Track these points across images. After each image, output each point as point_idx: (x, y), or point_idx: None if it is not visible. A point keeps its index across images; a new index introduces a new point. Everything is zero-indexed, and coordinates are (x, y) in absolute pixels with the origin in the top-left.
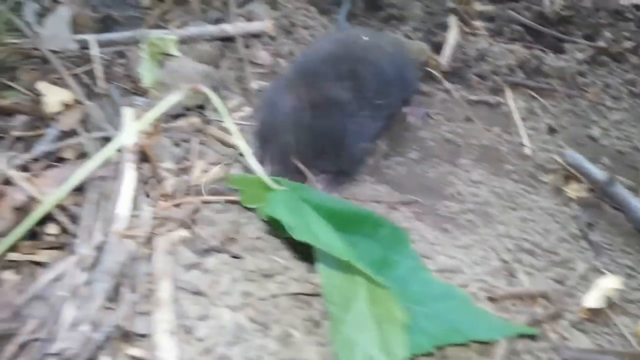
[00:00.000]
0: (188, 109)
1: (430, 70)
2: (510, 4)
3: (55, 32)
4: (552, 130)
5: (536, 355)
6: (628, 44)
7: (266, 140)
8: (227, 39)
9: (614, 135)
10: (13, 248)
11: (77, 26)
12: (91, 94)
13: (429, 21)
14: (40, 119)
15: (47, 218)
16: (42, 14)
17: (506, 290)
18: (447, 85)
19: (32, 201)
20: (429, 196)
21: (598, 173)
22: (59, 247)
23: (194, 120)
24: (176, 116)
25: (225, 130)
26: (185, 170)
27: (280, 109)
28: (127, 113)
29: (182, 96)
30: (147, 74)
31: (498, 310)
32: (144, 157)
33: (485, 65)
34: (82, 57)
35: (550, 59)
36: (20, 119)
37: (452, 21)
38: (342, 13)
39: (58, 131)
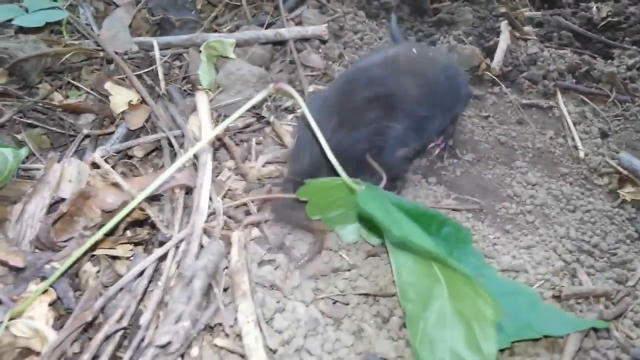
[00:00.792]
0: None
1: (481, 74)
2: (557, 10)
3: (115, 34)
4: (604, 134)
5: (604, 353)
6: None
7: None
8: (278, 43)
9: None
10: (95, 243)
11: (133, 29)
12: (153, 94)
13: (480, 26)
14: (107, 117)
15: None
16: (96, 17)
17: (570, 289)
18: (499, 88)
19: (120, 200)
20: (487, 197)
21: None
22: (139, 242)
23: (250, 120)
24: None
25: (281, 130)
26: (247, 169)
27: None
28: (201, 99)
29: (267, 94)
30: (205, 75)
31: (564, 309)
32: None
33: (536, 70)
34: (144, 59)
35: (600, 64)
36: (88, 117)
37: (504, 26)
38: (393, 21)
39: (126, 130)
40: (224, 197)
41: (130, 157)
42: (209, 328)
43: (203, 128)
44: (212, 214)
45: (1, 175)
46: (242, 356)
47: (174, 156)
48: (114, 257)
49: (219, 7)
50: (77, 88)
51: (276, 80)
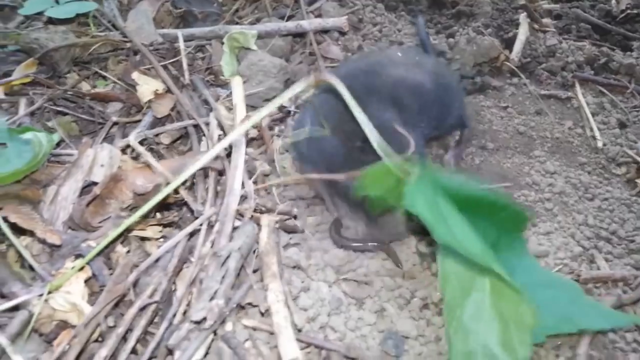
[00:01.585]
0: (265, 100)
1: (500, 65)
2: (576, 2)
3: (140, 26)
4: (622, 125)
5: (622, 336)
6: None
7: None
8: (298, 35)
9: None
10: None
11: (156, 21)
12: (177, 84)
13: (498, 18)
14: (134, 106)
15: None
16: (120, 10)
17: (589, 273)
18: (518, 80)
19: (149, 183)
20: (506, 185)
21: None
22: (168, 224)
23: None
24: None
25: None
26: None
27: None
28: (237, 84)
29: (307, 85)
30: (227, 66)
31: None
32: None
33: (555, 61)
34: (169, 50)
35: (619, 56)
36: (116, 106)
37: (523, 18)
38: (421, 23)
39: (153, 118)
40: (255, 182)
41: (158, 144)
42: (240, 307)
43: (238, 112)
44: (244, 197)
45: (36, 158)
46: (271, 333)
47: (199, 143)
48: (144, 239)
49: (240, 0)
50: (104, 78)
51: (294, 71)
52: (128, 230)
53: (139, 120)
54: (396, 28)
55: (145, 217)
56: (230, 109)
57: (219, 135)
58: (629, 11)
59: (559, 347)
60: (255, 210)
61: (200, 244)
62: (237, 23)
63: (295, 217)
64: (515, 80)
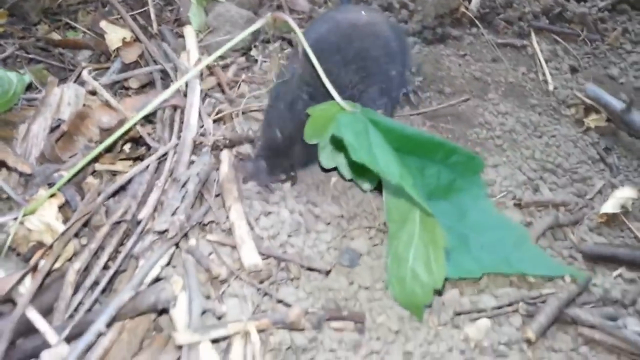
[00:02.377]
0: (234, 50)
1: (460, 16)
2: None
3: None
4: (573, 70)
5: (558, 252)
6: None
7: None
8: None
9: (631, 75)
10: (96, 159)
11: None
12: (146, 34)
13: None
14: (103, 54)
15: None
16: None
17: (531, 198)
18: (477, 30)
19: (114, 120)
20: (459, 124)
21: (616, 103)
22: (137, 158)
23: (241, 60)
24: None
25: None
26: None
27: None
28: (189, 32)
29: (263, 24)
30: (195, 17)
31: (525, 215)
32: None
33: (512, 12)
34: (137, 1)
35: (573, 6)
36: (86, 53)
37: None
38: None
39: (122, 64)
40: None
41: (127, 89)
42: (202, 226)
43: (191, 56)
44: (202, 134)
45: (7, 95)
46: (234, 247)
47: (165, 88)
48: (114, 173)
49: None
50: (74, 29)
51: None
52: (98, 163)
53: (108, 68)
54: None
55: (113, 152)
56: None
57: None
58: None
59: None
60: (213, 144)
61: (167, 169)
62: None
63: (252, 142)
64: (474, 30)
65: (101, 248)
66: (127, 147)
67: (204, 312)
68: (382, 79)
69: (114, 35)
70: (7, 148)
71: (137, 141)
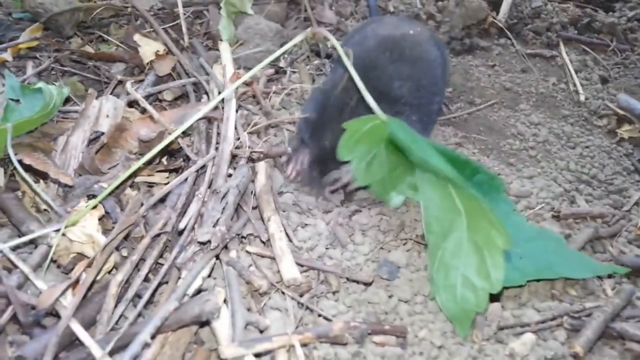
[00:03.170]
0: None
1: (487, 27)
2: None
3: None
4: (604, 81)
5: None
6: None
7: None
8: (292, 1)
9: None
10: (135, 171)
11: None
12: (177, 47)
13: None
14: (137, 66)
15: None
16: None
17: (569, 209)
18: (505, 40)
19: (152, 132)
20: (492, 135)
21: None
22: (174, 170)
23: (269, 71)
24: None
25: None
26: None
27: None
28: (224, 48)
29: (303, 38)
30: (225, 30)
31: (563, 227)
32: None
33: (540, 22)
34: (168, 14)
35: (601, 16)
36: (120, 66)
37: None
38: None
39: (155, 77)
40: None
41: (161, 101)
42: (242, 238)
43: (227, 70)
44: (237, 146)
45: (47, 108)
46: (273, 259)
47: (199, 100)
48: (151, 184)
49: None
50: (106, 42)
51: (291, 36)
52: (136, 175)
53: (142, 80)
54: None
55: (152, 163)
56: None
57: (219, 92)
58: None
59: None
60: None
61: (206, 181)
62: None
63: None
64: (502, 40)
65: (142, 260)
66: (164, 159)
67: (246, 325)
68: (423, 102)
69: (148, 48)
70: (47, 160)
71: (173, 153)
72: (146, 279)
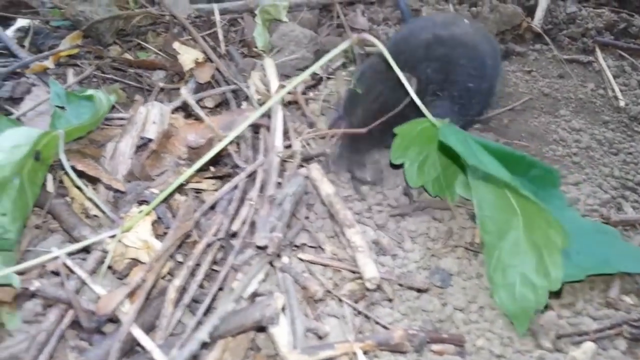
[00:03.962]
0: (298, 69)
1: (523, 32)
2: None
3: (175, 1)
4: None
5: None
6: None
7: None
8: (324, 9)
9: None
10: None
11: None
12: (215, 54)
13: None
14: (176, 74)
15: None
16: None
17: (618, 217)
18: (540, 45)
19: (201, 138)
20: (534, 141)
21: None
22: (222, 177)
23: (306, 79)
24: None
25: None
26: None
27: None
28: (269, 64)
29: (349, 45)
30: (260, 37)
31: None
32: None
33: (575, 28)
34: (205, 22)
35: (638, 21)
36: (160, 73)
37: None
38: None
39: (196, 84)
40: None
41: (203, 108)
42: (294, 246)
43: (272, 84)
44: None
45: (97, 114)
46: (326, 266)
47: (239, 106)
48: (199, 190)
49: None
50: (144, 49)
51: (324, 42)
52: (185, 182)
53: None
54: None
55: (200, 170)
56: (266, 76)
57: (258, 99)
58: None
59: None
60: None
61: (257, 187)
62: None
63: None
64: (538, 46)
65: (196, 265)
66: (211, 166)
67: (306, 332)
68: (461, 94)
69: (187, 56)
70: (98, 166)
71: (219, 160)
72: (201, 285)
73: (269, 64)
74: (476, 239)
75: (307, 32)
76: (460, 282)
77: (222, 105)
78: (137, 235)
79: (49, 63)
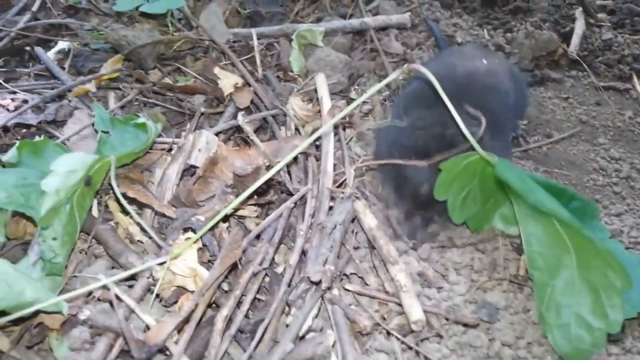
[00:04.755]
0: (334, 93)
1: (558, 58)
2: None
3: (213, 25)
4: None
5: None
6: None
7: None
8: (357, 33)
9: None
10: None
11: (225, 21)
12: (253, 79)
13: (555, 13)
14: (216, 98)
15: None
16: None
17: None
18: (576, 72)
19: (247, 165)
20: (574, 170)
21: None
22: (264, 204)
23: (341, 102)
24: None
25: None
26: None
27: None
28: (321, 81)
29: (402, 73)
30: (295, 62)
31: None
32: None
33: (611, 55)
34: (243, 47)
35: None
36: (200, 98)
37: (579, 13)
38: (435, 27)
39: (235, 109)
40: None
41: (241, 132)
42: (344, 275)
43: (324, 104)
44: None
45: (147, 142)
46: (372, 297)
47: (279, 131)
48: (242, 217)
49: (301, 0)
50: (183, 74)
51: (359, 67)
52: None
53: (222, 112)
54: (451, 22)
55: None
56: (303, 100)
57: (297, 124)
58: None
59: None
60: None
61: (307, 215)
62: (299, 22)
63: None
64: (574, 72)
65: (242, 295)
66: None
67: None
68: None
69: (227, 80)
70: (147, 192)
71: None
72: (246, 315)
73: (321, 81)
74: (520, 272)
75: (342, 57)
76: (508, 317)
77: (259, 130)
78: (184, 263)
79: (91, 86)
